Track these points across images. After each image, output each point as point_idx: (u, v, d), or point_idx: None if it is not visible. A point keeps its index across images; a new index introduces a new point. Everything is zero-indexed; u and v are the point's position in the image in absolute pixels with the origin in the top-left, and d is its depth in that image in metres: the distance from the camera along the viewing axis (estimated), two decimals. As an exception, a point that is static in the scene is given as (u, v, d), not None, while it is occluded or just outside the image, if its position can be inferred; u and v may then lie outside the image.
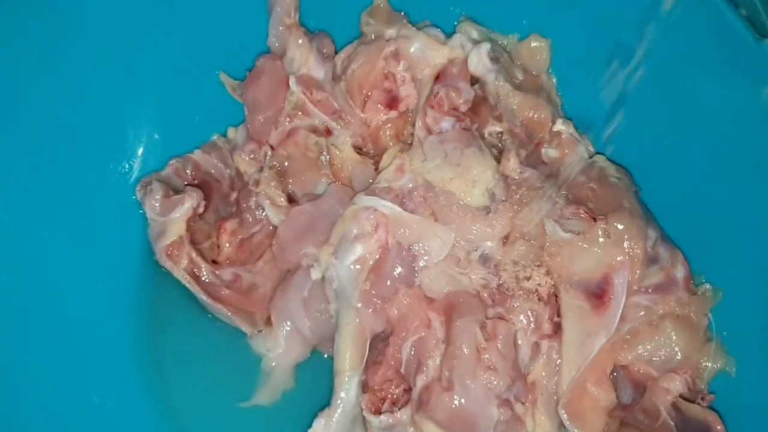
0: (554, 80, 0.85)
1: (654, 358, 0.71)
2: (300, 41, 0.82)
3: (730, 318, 0.75)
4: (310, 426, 0.70)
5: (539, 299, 0.71)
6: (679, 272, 0.73)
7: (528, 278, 0.71)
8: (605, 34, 0.81)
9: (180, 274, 0.78)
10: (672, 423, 0.70)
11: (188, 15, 0.83)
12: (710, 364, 0.73)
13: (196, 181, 0.84)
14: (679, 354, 0.71)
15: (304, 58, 0.82)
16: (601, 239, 0.70)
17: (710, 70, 0.76)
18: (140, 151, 0.85)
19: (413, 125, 0.79)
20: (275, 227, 0.81)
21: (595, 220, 0.71)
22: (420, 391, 0.69)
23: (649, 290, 0.72)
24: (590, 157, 0.79)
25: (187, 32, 0.84)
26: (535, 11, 0.84)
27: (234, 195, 0.86)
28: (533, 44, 0.84)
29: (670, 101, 0.79)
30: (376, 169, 0.80)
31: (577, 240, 0.71)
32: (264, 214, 0.82)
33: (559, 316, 0.71)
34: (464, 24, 0.83)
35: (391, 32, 0.82)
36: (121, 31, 0.81)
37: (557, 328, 0.71)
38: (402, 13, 0.84)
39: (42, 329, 0.78)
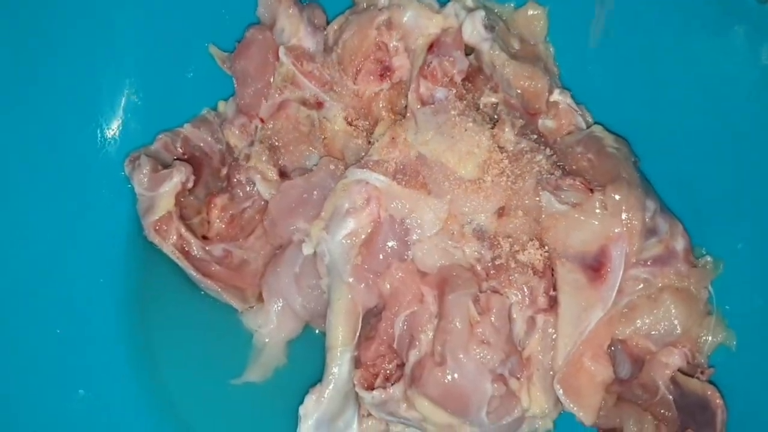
0: (552, 49, 0.83)
1: (652, 332, 0.70)
2: (290, 11, 0.80)
3: (732, 291, 0.73)
4: (301, 402, 0.69)
5: (534, 273, 0.70)
6: (679, 244, 0.72)
7: (523, 251, 0.70)
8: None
9: (169, 249, 0.77)
10: (670, 397, 0.69)
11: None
12: (710, 338, 0.72)
13: (185, 156, 0.83)
14: (678, 327, 0.70)
15: (294, 29, 0.80)
16: (598, 211, 0.69)
17: (711, 32, 0.74)
18: (129, 125, 0.84)
19: (407, 96, 0.77)
20: (266, 202, 0.80)
21: (592, 191, 0.70)
22: (412, 366, 0.68)
23: (648, 263, 0.70)
24: (588, 127, 0.78)
25: (175, 3, 0.83)
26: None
27: (224, 170, 0.84)
28: (530, 12, 0.83)
29: (670, 64, 0.77)
30: (369, 141, 0.78)
31: (573, 212, 0.70)
32: (255, 189, 0.81)
33: (555, 289, 0.70)
34: (459, -9, 0.81)
35: (383, 1, 0.80)
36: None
37: (553, 302, 0.70)
38: (395, -19, 0.82)
39: (29, 306, 0.77)
